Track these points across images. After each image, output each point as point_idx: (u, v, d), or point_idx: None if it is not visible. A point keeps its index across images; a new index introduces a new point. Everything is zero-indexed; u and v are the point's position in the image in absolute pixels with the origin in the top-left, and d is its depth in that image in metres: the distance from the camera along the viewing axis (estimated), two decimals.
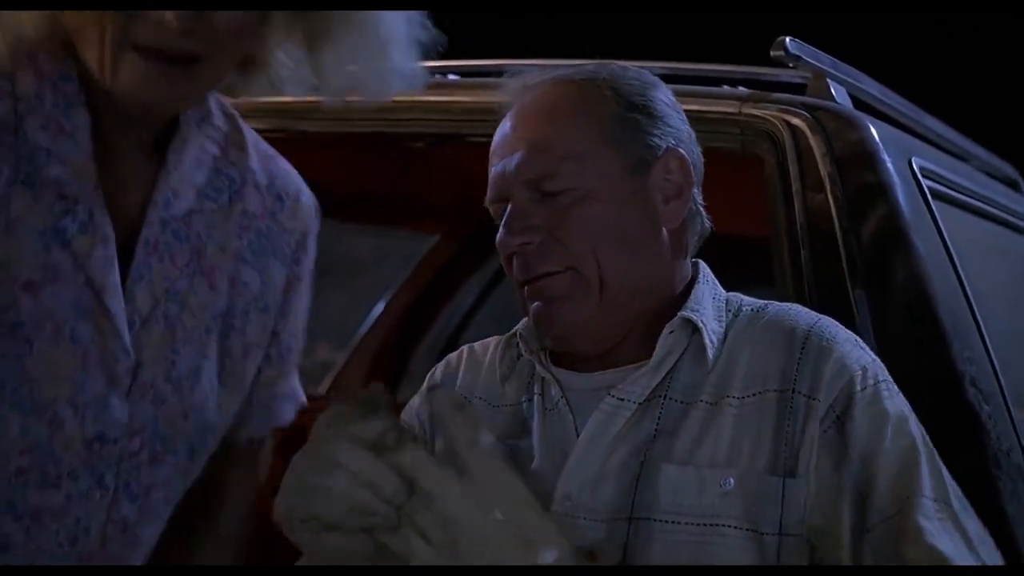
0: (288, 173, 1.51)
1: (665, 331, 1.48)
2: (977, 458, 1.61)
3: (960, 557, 1.31)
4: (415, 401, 1.67)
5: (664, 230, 1.53)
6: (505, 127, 1.55)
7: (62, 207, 1.27)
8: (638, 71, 1.59)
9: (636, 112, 1.53)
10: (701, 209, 1.59)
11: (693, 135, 1.59)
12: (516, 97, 1.57)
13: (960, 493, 1.40)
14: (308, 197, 1.53)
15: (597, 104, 1.52)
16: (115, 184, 1.31)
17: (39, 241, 1.25)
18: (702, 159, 1.59)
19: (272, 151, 1.52)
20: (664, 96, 1.58)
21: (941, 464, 1.41)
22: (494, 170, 1.54)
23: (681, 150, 1.55)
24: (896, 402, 1.42)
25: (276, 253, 1.46)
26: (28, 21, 1.23)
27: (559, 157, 1.48)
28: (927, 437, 1.43)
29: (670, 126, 1.55)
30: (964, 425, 1.64)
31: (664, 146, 1.53)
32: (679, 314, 1.49)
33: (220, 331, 1.39)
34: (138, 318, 1.31)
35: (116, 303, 1.29)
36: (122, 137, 1.33)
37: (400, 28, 1.39)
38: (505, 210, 1.52)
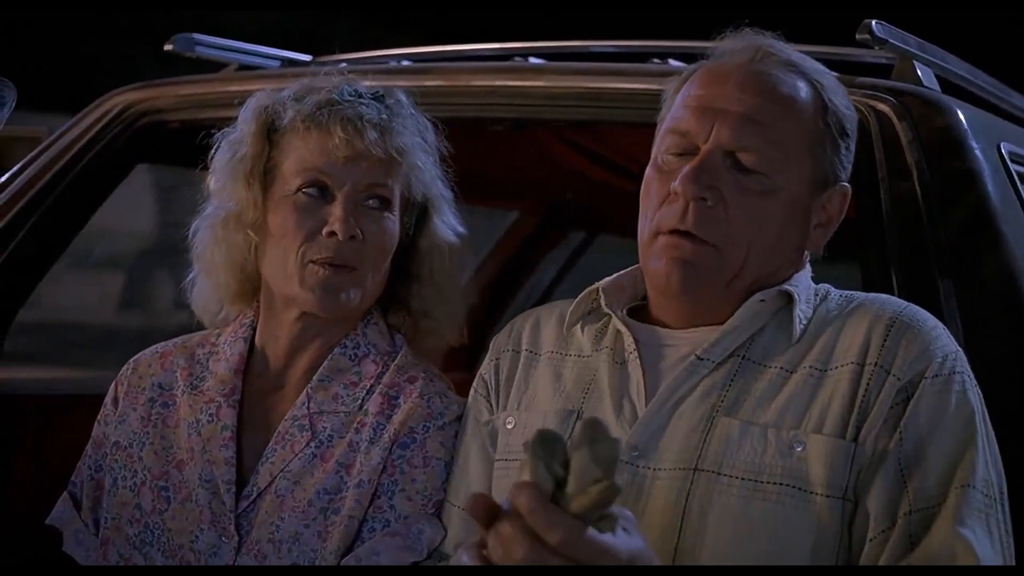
0: (413, 389, 1.75)
1: (755, 298, 1.53)
2: None
3: (984, 552, 1.35)
4: (485, 364, 1.74)
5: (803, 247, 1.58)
6: (725, 71, 1.56)
7: (204, 407, 1.77)
8: (848, 97, 1.61)
9: (842, 138, 1.57)
10: None
11: None
12: (739, 54, 1.57)
13: (1006, 496, 1.42)
14: (432, 402, 1.73)
15: (817, 111, 1.55)
16: (266, 394, 1.78)
17: (187, 431, 1.76)
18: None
19: (422, 373, 1.77)
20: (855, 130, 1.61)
21: (999, 462, 1.43)
22: (694, 105, 1.55)
23: (849, 188, 1.59)
24: (968, 396, 1.44)
25: (377, 440, 1.71)
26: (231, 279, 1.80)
27: (770, 140, 1.52)
28: (992, 435, 1.44)
29: (851, 161, 1.60)
30: None
31: (843, 178, 1.59)
32: (776, 287, 1.53)
33: (324, 505, 1.68)
34: (256, 490, 1.71)
35: (226, 475, 1.71)
36: (283, 364, 1.79)
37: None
38: (686, 150, 1.53)
